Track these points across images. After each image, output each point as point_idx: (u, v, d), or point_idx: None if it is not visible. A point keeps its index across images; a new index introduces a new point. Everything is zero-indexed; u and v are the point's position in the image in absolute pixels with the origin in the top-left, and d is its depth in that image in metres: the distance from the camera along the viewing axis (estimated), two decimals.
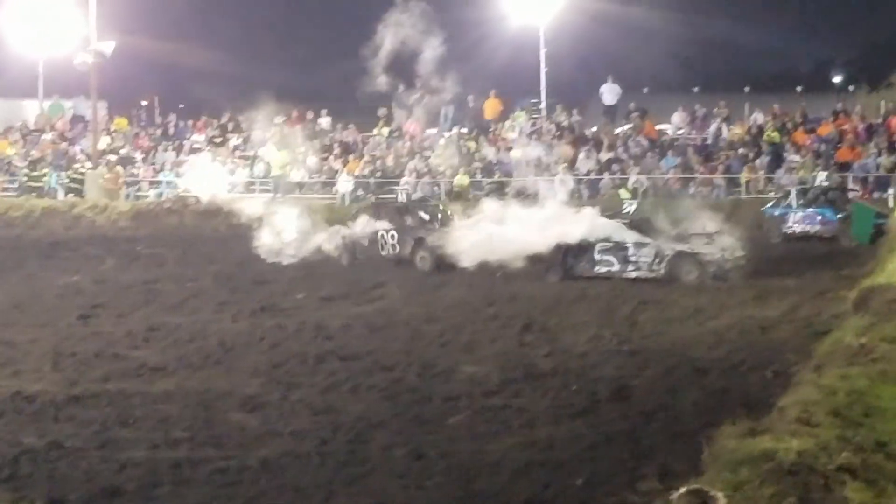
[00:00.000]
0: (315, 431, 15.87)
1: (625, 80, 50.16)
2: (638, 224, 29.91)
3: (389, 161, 44.82)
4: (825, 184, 36.40)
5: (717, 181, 40.19)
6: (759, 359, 19.36)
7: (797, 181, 37.86)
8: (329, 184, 44.48)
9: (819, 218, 33.24)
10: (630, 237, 29.21)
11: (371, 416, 16.72)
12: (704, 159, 41.97)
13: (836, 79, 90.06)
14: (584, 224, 29.50)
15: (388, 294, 28.30)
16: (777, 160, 40.99)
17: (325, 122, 50.59)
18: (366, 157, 45.54)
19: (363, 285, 29.27)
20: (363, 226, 33.16)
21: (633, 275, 28.98)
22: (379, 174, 44.11)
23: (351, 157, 45.84)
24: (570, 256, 29.53)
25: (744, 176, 40.30)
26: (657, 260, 28.79)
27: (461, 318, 24.97)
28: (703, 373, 18.78)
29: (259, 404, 17.61)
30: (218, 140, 48.64)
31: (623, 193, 39.54)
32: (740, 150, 42.05)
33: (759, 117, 45.65)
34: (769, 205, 35.60)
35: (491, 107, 48.18)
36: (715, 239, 29.08)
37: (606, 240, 29.33)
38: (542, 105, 50.98)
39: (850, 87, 76.45)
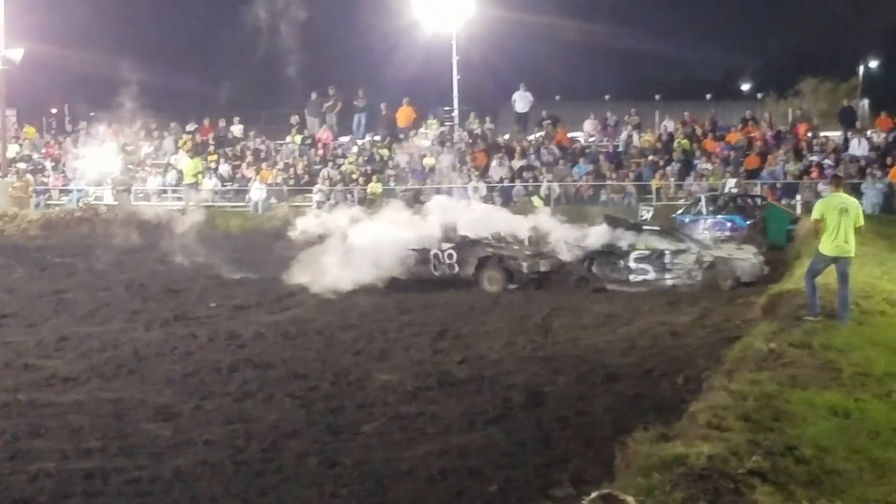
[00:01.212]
0: (229, 440, 15.80)
1: (536, 88, 50.38)
2: (669, 231, 30.20)
3: (302, 169, 44.67)
4: (734, 190, 36.82)
5: (628, 188, 40.49)
6: (670, 365, 19.52)
7: (707, 188, 38.23)
8: (242, 192, 44.27)
9: (729, 224, 33.54)
10: (668, 245, 29.16)
11: (285, 425, 16.67)
12: (616, 166, 42.27)
13: (745, 87, 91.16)
14: (606, 233, 29.59)
15: (301, 302, 28.20)
16: (687, 167, 41.39)
17: (237, 129, 50.39)
18: (278, 165, 45.37)
19: (276, 294, 29.15)
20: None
21: (670, 283, 28.78)
22: (292, 182, 43.97)
23: (263, 165, 45.66)
24: (600, 265, 29.41)
25: (654, 183, 40.63)
26: (696, 267, 28.75)
27: (375, 326, 24.96)
28: (615, 379, 18.89)
29: (172, 414, 17.50)
30: (129, 148, 48.21)
31: (535, 201, 39.71)
32: (651, 158, 42.42)
33: (669, 125, 46.09)
34: (679, 212, 35.89)
35: (404, 115, 48.21)
36: (743, 246, 29.27)
37: (644, 248, 29.25)
38: (455, 113, 51.10)
39: (759, 95, 77.42)
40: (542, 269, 29.69)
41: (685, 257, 28.63)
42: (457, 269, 30.41)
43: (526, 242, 30.60)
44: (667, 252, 28.83)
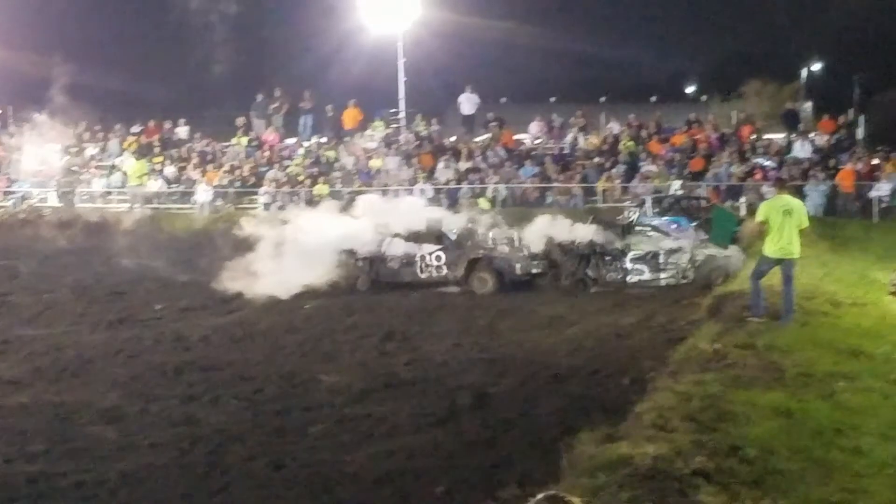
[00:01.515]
0: (174, 443, 15.75)
1: (483, 90, 50.31)
2: (660, 230, 30.09)
3: (248, 171, 44.46)
4: (679, 192, 36.97)
5: (574, 190, 40.54)
6: (616, 366, 19.59)
7: (652, 190, 38.34)
8: (187, 194, 44.01)
9: (674, 226, 33.67)
10: (661, 244, 29.22)
11: (231, 427, 16.64)
12: (562, 168, 42.30)
13: (689, 89, 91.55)
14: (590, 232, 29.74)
15: (247, 305, 28.12)
16: (632, 169, 41.49)
17: (182, 131, 50.05)
18: (224, 167, 45.14)
19: (222, 296, 29.03)
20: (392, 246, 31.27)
21: (664, 282, 28.92)
22: (238, 184, 43.77)
23: (209, 167, 45.40)
24: (596, 266, 29.45)
25: (600, 185, 40.69)
26: (690, 266, 28.81)
27: (321, 329, 24.95)
28: (561, 380, 18.95)
29: (117, 416, 17.44)
30: (74, 150, 47.84)
31: (482, 203, 39.73)
32: (596, 160, 42.49)
33: (614, 127, 46.14)
34: (624, 213, 36.00)
35: (350, 116, 48.05)
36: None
37: (639, 247, 29.32)
38: (401, 115, 51.04)
39: (703, 98, 77.82)
40: (535, 270, 29.71)
41: (679, 256, 28.79)
42: (445, 271, 30.39)
43: (517, 243, 30.54)
44: (661, 252, 28.96)
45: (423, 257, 30.60)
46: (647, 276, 28.97)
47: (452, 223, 31.54)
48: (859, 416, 12.45)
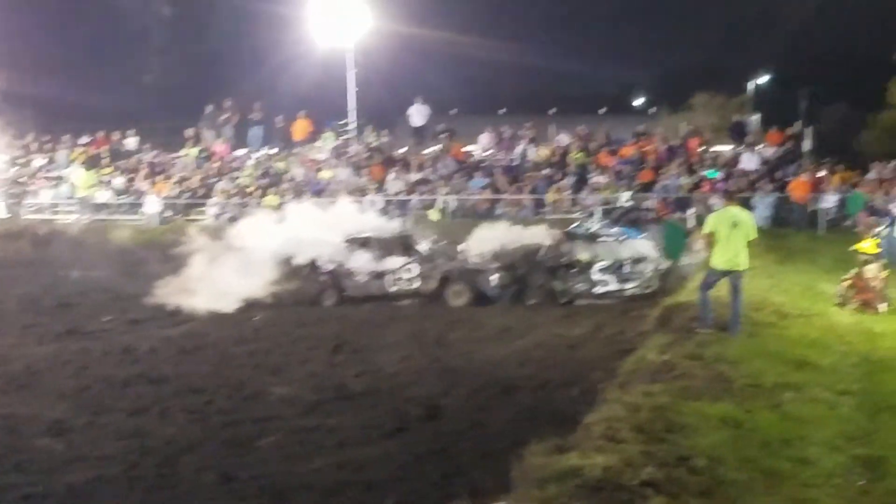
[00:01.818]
0: (123, 456, 15.67)
1: (433, 101, 50.33)
2: (624, 239, 29.84)
3: (197, 182, 44.31)
4: (628, 204, 37.12)
5: (524, 202, 40.63)
6: (565, 377, 19.65)
7: (601, 201, 38.47)
8: (136, 205, 43.78)
9: (624, 237, 33.77)
10: (626, 253, 29.09)
11: (181, 439, 16.57)
12: (511, 180, 42.39)
13: (638, 102, 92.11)
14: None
15: (196, 316, 28.00)
16: (582, 181, 41.63)
17: (131, 142, 49.81)
18: (174, 178, 44.97)
19: (170, 308, 28.90)
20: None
21: (630, 292, 28.80)
22: (187, 195, 43.61)
23: (158, 178, 45.22)
24: (563, 279, 29.27)
25: (550, 196, 40.80)
26: (654, 275, 28.79)
27: (271, 340, 24.90)
28: (511, 391, 18.99)
29: (65, 429, 17.33)
30: (22, 161, 47.54)
31: (432, 214, 39.78)
32: (546, 171, 42.60)
33: (564, 139, 46.30)
34: (574, 225, 36.08)
35: (300, 127, 47.99)
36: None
37: (605, 258, 29.16)
38: (352, 126, 51.03)
39: (652, 110, 78.29)
40: (510, 282, 29.62)
41: (644, 266, 28.82)
42: (417, 284, 30.23)
43: (490, 256, 30.41)
44: (626, 262, 28.98)
45: (393, 270, 30.32)
46: (613, 286, 28.98)
47: (388, 229, 31.40)
48: (807, 426, 12.56)
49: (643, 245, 29.14)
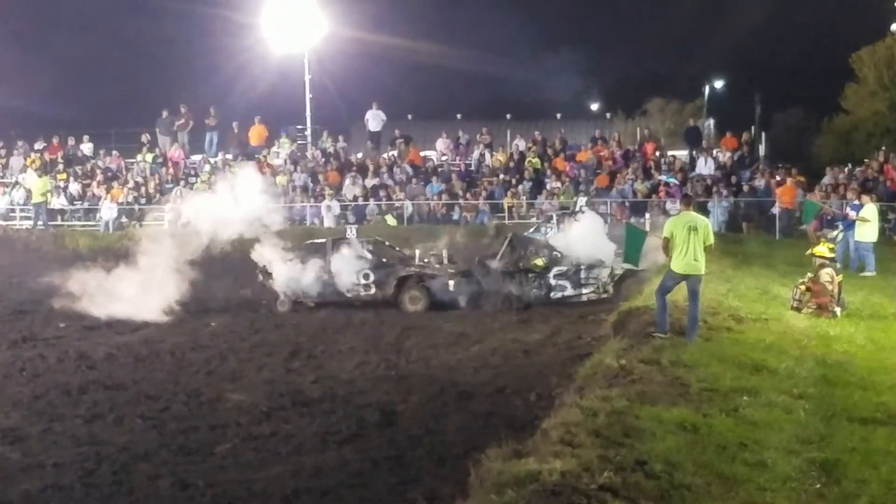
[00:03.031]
0: (79, 463, 15.52)
1: (389, 107, 50.43)
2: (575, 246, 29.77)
3: (153, 187, 44.16)
4: (585, 209, 37.21)
5: (481, 206, 40.70)
6: (522, 382, 19.63)
7: (558, 206, 38.56)
8: (92, 211, 43.59)
9: None
10: (584, 259, 29.17)
11: (136, 447, 16.42)
12: (468, 185, 42.49)
13: (594, 107, 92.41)
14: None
15: (152, 322, 27.86)
16: (538, 186, 41.78)
17: (87, 148, 49.61)
18: (129, 184, 44.79)
19: (126, 314, 28.73)
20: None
21: (586, 297, 28.96)
22: (143, 201, 43.45)
23: (114, 184, 45.04)
24: (520, 284, 29.22)
25: (506, 201, 40.94)
26: (609, 280, 28.90)
27: (227, 347, 24.78)
28: (467, 397, 18.94)
29: (20, 437, 17.15)
30: None
31: (389, 219, 39.79)
32: (503, 176, 42.71)
33: (520, 144, 46.47)
34: (531, 230, 36.12)
35: (256, 133, 47.97)
36: None
37: (561, 263, 29.28)
38: (308, 132, 51.02)
39: (608, 115, 78.57)
40: (466, 287, 29.58)
41: (599, 271, 28.90)
42: (374, 290, 30.13)
43: (445, 261, 30.47)
44: (582, 267, 28.99)
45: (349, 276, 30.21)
46: (569, 291, 29.11)
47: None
48: (763, 430, 12.59)
49: (599, 250, 29.18)
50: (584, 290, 28.98)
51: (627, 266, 27.58)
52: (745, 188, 39.09)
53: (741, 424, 12.75)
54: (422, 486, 13.62)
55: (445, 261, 30.38)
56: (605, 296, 28.67)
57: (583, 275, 29.05)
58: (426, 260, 30.65)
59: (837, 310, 21.35)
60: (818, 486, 10.81)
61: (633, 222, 33.63)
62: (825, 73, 71.76)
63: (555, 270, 29.17)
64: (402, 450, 15.75)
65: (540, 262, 29.24)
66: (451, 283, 29.36)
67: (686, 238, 18.19)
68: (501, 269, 29.27)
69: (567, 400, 14.75)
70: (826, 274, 21.58)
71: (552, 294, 29.16)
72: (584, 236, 29.63)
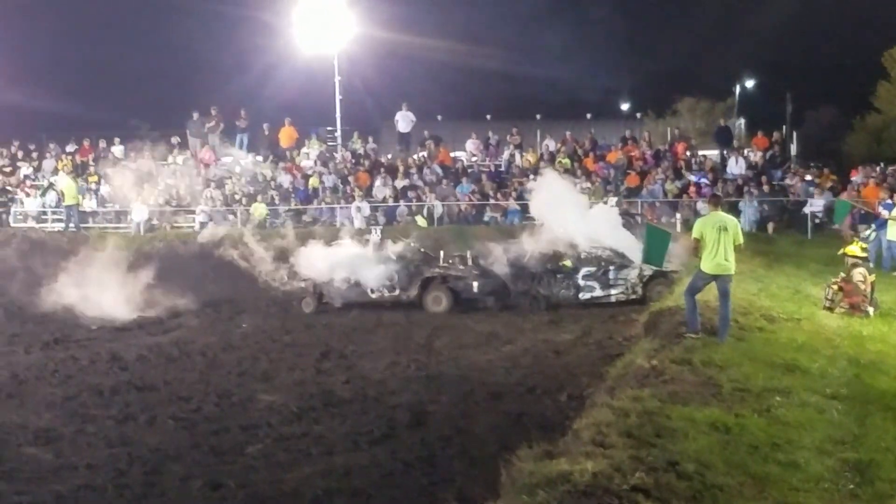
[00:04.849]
0: (111, 464, 15.60)
1: (418, 108, 50.33)
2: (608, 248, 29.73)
3: (184, 189, 44.22)
4: (615, 209, 37.07)
5: (511, 207, 40.59)
6: (553, 382, 19.62)
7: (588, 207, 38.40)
8: (123, 213, 43.66)
9: None
10: (614, 260, 29.11)
11: (168, 447, 16.50)
12: (498, 186, 42.38)
13: (624, 106, 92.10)
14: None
15: (184, 324, 27.96)
16: None
17: (117, 150, 49.69)
18: (160, 186, 44.86)
19: (158, 315, 28.86)
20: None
21: (614, 298, 28.90)
22: (174, 203, 43.53)
23: (145, 186, 45.10)
24: (548, 284, 29.33)
25: None
26: (638, 282, 28.81)
27: (258, 347, 24.86)
28: (498, 397, 18.95)
29: (53, 437, 17.26)
30: (7, 169, 47.36)
31: (419, 220, 39.75)
32: (533, 177, 42.59)
33: (550, 144, 46.34)
34: None
35: (286, 135, 47.97)
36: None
37: (590, 264, 29.21)
38: (337, 133, 51.04)
39: (638, 115, 78.30)
40: (490, 288, 29.65)
41: (628, 272, 28.80)
42: (397, 291, 30.22)
43: (470, 262, 30.52)
44: (611, 268, 28.92)
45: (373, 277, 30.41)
46: (598, 292, 29.03)
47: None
48: (795, 430, 12.51)
49: (628, 250, 29.06)
50: (613, 291, 28.89)
51: (653, 267, 27.57)
52: (772, 187, 38.87)
53: (774, 424, 12.68)
54: (452, 486, 13.63)
55: (469, 261, 30.38)
56: (633, 297, 28.57)
57: (611, 275, 28.95)
58: (450, 261, 30.67)
59: (870, 309, 21.21)
60: (851, 486, 10.74)
61: (661, 222, 33.51)
62: (857, 72, 71.32)
63: (583, 271, 29.10)
64: (433, 450, 15.76)
65: (568, 262, 29.17)
66: (476, 284, 29.37)
67: (717, 238, 18.08)
68: (530, 270, 29.23)
69: (598, 400, 14.71)
70: (859, 273, 21.43)
71: (580, 295, 29.11)
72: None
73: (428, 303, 29.88)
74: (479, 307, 29.25)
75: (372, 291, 30.34)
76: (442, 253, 31.21)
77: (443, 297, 29.86)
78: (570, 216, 29.37)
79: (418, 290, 30.16)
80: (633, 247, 28.77)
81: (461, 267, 30.22)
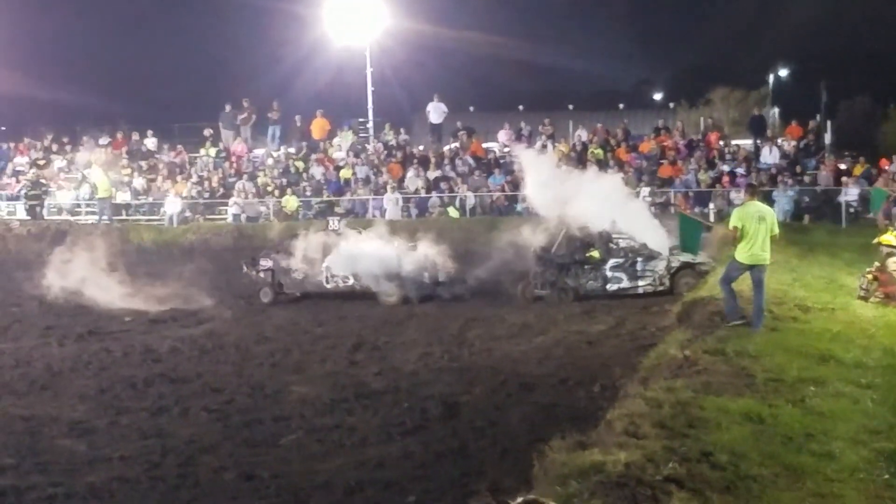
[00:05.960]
0: (144, 456, 15.65)
1: (450, 99, 50.34)
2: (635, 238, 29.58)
3: (216, 182, 44.34)
4: (648, 199, 36.95)
5: None
6: (586, 373, 19.57)
7: None
8: (156, 205, 43.82)
9: None
10: (639, 251, 28.99)
11: (201, 439, 16.55)
12: None
13: (657, 96, 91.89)
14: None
15: (217, 316, 28.03)
16: None
17: (150, 143, 49.86)
18: (193, 178, 45.01)
19: (191, 307, 28.94)
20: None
21: (641, 290, 28.76)
22: (207, 195, 43.64)
23: (178, 178, 45.25)
24: (575, 276, 29.26)
25: None
26: (666, 273, 28.66)
27: (291, 339, 24.89)
28: (531, 388, 18.91)
29: (87, 429, 17.33)
30: (42, 162, 47.55)
31: (451, 211, 39.74)
32: (565, 168, 42.47)
33: (582, 134, 46.23)
34: None
35: (318, 126, 48.00)
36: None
37: (617, 255, 29.14)
38: (370, 124, 51.09)
39: (671, 105, 78.12)
40: (442, 280, 29.99)
41: (656, 264, 28.64)
42: (351, 282, 30.48)
43: (428, 257, 30.54)
44: (639, 259, 28.83)
45: (328, 268, 30.68)
46: (625, 283, 28.87)
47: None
48: (830, 420, 12.44)
49: (657, 242, 28.93)
50: (641, 283, 28.74)
51: (685, 258, 27.45)
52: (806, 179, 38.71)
53: (808, 415, 12.61)
54: (485, 477, 13.59)
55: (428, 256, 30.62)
56: (661, 288, 28.43)
57: (639, 267, 28.80)
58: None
59: None
60: (886, 476, 10.67)
61: (695, 212, 33.38)
62: (892, 61, 70.99)
63: (611, 262, 28.97)
64: (466, 441, 15.76)
65: (596, 253, 29.07)
66: (426, 275, 30.23)
67: (754, 228, 18.01)
68: (558, 261, 29.16)
69: (631, 391, 14.67)
70: (894, 262, 21.28)
71: (608, 286, 28.98)
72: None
73: (381, 296, 30.09)
74: (500, 297, 29.24)
75: (327, 281, 30.57)
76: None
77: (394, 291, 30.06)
78: (563, 195, 29.22)
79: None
80: (660, 237, 28.67)
81: (418, 262, 30.33)
